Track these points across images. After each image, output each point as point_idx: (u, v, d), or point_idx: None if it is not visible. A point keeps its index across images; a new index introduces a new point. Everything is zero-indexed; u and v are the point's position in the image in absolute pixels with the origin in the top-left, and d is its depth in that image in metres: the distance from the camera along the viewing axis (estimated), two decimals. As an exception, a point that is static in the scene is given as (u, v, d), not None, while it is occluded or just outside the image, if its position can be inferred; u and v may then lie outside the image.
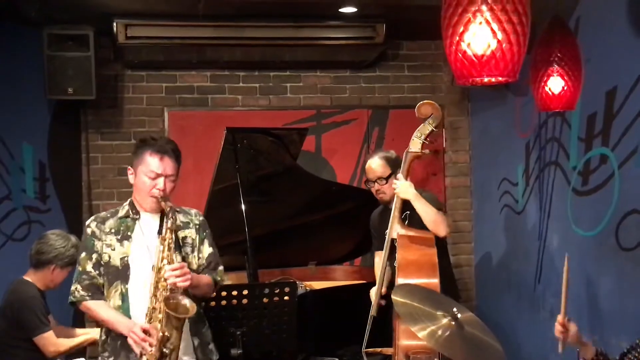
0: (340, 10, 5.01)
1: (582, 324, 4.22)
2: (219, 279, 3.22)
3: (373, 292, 4.00)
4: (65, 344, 3.88)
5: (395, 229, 3.77)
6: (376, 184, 4.12)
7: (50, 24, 4.99)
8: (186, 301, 2.90)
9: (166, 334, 2.86)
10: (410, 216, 3.87)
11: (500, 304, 5.44)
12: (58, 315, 4.11)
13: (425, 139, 3.76)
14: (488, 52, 2.22)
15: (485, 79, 2.29)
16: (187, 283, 2.94)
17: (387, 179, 4.07)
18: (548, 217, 4.62)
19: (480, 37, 2.21)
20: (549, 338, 4.61)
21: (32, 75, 5.05)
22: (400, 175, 3.84)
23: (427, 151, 3.81)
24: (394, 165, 4.08)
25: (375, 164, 4.13)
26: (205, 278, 3.14)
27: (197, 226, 3.19)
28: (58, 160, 5.36)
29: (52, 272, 3.88)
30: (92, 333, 3.96)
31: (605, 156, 3.94)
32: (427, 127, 3.76)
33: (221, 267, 3.25)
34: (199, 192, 5.32)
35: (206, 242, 3.20)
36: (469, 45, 2.23)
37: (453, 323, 2.84)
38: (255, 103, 5.82)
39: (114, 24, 4.94)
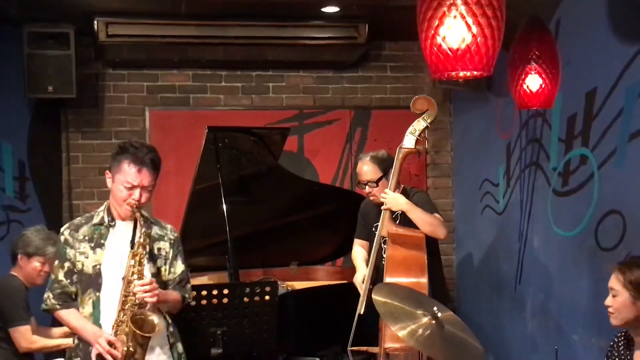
0: (323, 10, 5.01)
1: (560, 323, 4.26)
2: (187, 296, 3.23)
3: (358, 280, 3.99)
4: (39, 342, 3.87)
5: (386, 227, 3.74)
6: (367, 187, 4.02)
7: (30, 22, 4.95)
8: (154, 317, 2.91)
9: (131, 349, 2.86)
10: (402, 215, 3.84)
11: (481, 304, 5.46)
12: (36, 314, 4.08)
13: (420, 135, 3.69)
14: (463, 46, 2.23)
15: (461, 73, 2.29)
16: (155, 299, 2.94)
17: (377, 182, 3.97)
18: (529, 217, 4.65)
19: (455, 31, 2.22)
20: (529, 337, 4.65)
21: (12, 73, 5.00)
22: (387, 190, 3.77)
23: (420, 147, 3.74)
24: (385, 166, 3.97)
25: (365, 167, 4.01)
26: (174, 294, 3.16)
27: (172, 241, 3.20)
28: (38, 159, 5.32)
29: (20, 263, 3.89)
30: (69, 340, 3.92)
31: (585, 157, 3.96)
32: (421, 123, 3.69)
33: (189, 285, 3.27)
34: (180, 192, 5.30)
35: (179, 259, 3.21)
36: (444, 39, 2.24)
37: (433, 322, 2.84)
38: (237, 103, 5.81)
39: (95, 23, 4.91)
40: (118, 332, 2.90)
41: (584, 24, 3.96)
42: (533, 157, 4.58)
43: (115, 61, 5.50)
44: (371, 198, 4.05)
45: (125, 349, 2.86)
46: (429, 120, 3.69)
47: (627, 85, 3.59)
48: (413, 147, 3.71)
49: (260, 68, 5.78)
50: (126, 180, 3.01)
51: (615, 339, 2.98)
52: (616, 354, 2.94)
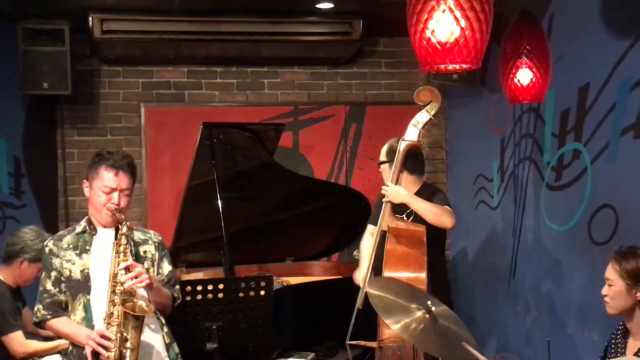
0: (317, 5, 5.03)
1: (554, 317, 4.29)
2: (176, 295, 3.25)
3: (359, 277, 4.00)
4: (35, 345, 3.79)
5: (386, 221, 3.70)
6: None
7: (25, 18, 4.95)
8: (142, 302, 2.93)
9: (125, 334, 2.88)
10: (414, 212, 3.82)
11: (475, 298, 5.49)
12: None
13: (423, 127, 3.63)
14: (451, 40, 2.25)
15: (450, 66, 2.32)
16: (145, 282, 2.95)
17: (380, 163, 4.06)
18: (522, 212, 4.67)
19: (443, 24, 2.25)
20: (523, 332, 4.67)
21: (7, 70, 5.01)
22: (389, 182, 3.76)
23: (423, 140, 3.70)
24: (393, 155, 3.89)
25: (383, 148, 4.07)
26: (165, 290, 3.17)
27: (156, 244, 3.23)
28: (33, 155, 5.32)
29: (20, 266, 3.83)
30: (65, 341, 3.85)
31: (578, 151, 3.98)
32: (425, 115, 3.61)
33: (178, 287, 3.28)
34: (176, 188, 5.32)
35: (165, 260, 3.24)
36: (432, 32, 2.26)
37: (427, 316, 2.85)
38: (232, 99, 5.82)
39: (90, 19, 4.91)
40: (110, 324, 2.91)
41: (577, 20, 3.98)
42: (526, 152, 4.60)
43: (110, 57, 5.50)
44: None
45: (119, 335, 2.87)
46: (432, 112, 3.61)
47: (620, 80, 3.61)
48: (416, 139, 3.65)
49: (255, 64, 5.79)
50: (104, 184, 3.05)
51: (616, 330, 3.00)
52: (615, 343, 2.97)
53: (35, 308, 3.08)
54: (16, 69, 4.97)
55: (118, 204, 3.05)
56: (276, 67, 5.83)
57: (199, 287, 3.63)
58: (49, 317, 3.06)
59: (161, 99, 5.71)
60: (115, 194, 3.06)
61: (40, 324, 3.11)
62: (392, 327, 2.81)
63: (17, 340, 3.71)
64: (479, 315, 5.36)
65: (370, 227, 4.23)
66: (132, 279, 2.92)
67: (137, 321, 2.89)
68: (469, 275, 5.67)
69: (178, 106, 5.73)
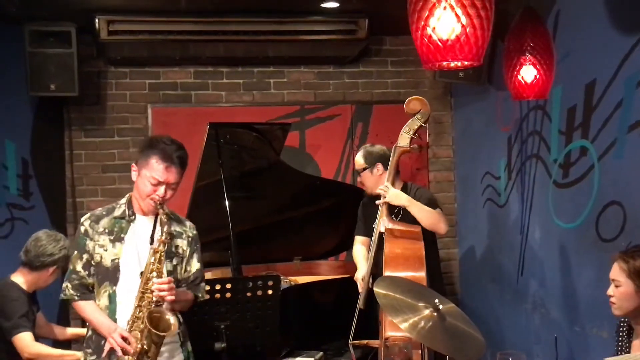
0: (323, 5, 5.03)
1: (563, 314, 4.28)
2: (199, 295, 3.23)
3: (358, 277, 4.08)
4: (41, 349, 3.77)
5: (383, 223, 3.83)
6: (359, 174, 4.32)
7: (31, 20, 4.97)
8: (169, 317, 2.90)
9: (144, 346, 2.86)
10: (404, 210, 3.94)
11: (483, 296, 5.48)
12: (44, 312, 4.08)
13: (414, 134, 3.82)
14: (453, 37, 2.25)
15: (452, 64, 2.32)
16: (172, 298, 2.95)
17: (360, 171, 4.25)
18: (530, 209, 4.66)
19: (444, 21, 2.26)
20: (531, 329, 4.67)
21: (14, 72, 5.02)
22: (388, 184, 3.89)
23: (415, 146, 3.87)
24: (372, 159, 4.19)
25: (357, 156, 4.29)
26: (188, 295, 3.16)
27: (190, 239, 3.18)
28: (41, 157, 5.34)
29: (51, 274, 3.82)
30: (77, 353, 3.75)
31: (585, 148, 3.98)
32: (415, 123, 3.81)
33: (204, 284, 3.26)
34: (183, 188, 5.24)
35: (195, 257, 3.20)
36: (434, 29, 2.27)
37: (435, 314, 2.85)
38: (239, 99, 5.83)
39: (96, 20, 4.93)
40: (133, 328, 2.90)
41: (583, 16, 3.97)
42: (533, 150, 4.59)
43: (117, 59, 5.52)
44: (362, 186, 4.35)
45: (140, 345, 2.85)
46: (422, 120, 3.81)
47: (626, 77, 3.60)
48: (407, 146, 3.84)
49: (261, 64, 5.80)
50: (152, 176, 2.99)
51: (618, 329, 2.98)
52: (619, 342, 2.95)
53: (64, 285, 3.07)
54: (23, 71, 4.99)
55: (163, 197, 3.00)
56: (282, 66, 5.84)
57: (207, 287, 3.63)
58: (76, 298, 3.05)
59: (168, 100, 5.73)
60: (162, 187, 3.00)
61: (67, 301, 3.11)
62: (400, 326, 2.81)
63: (26, 341, 3.70)
64: (486, 312, 5.35)
65: (359, 239, 4.33)
66: (160, 291, 2.90)
67: (160, 338, 2.87)
68: (477, 273, 5.67)
69: (185, 107, 5.74)
